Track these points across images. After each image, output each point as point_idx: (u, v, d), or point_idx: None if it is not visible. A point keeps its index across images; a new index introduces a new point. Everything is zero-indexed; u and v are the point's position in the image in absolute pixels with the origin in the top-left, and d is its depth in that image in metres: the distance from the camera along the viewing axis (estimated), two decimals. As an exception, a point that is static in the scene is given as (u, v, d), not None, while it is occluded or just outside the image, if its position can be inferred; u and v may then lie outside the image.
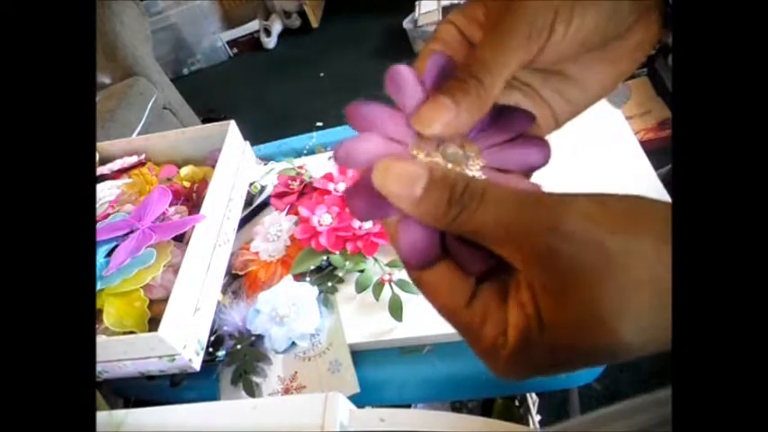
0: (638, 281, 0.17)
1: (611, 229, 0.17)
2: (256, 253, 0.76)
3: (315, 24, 2.85)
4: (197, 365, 0.61)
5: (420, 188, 0.20)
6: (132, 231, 0.68)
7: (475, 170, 0.22)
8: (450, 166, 0.22)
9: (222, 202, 0.75)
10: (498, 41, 0.21)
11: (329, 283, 0.69)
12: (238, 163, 0.83)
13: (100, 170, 0.87)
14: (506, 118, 0.23)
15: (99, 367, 0.61)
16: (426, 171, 0.20)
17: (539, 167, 0.23)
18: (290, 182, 0.82)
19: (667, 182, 0.65)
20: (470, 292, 0.21)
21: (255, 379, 0.64)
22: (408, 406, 0.75)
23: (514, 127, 0.23)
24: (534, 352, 0.19)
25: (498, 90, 0.21)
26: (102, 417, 0.44)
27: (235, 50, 2.94)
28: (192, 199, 0.78)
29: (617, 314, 0.17)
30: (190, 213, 0.74)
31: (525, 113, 0.24)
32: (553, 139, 0.25)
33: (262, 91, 2.57)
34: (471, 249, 0.21)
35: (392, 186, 0.20)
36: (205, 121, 2.05)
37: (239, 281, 0.76)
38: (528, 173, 0.24)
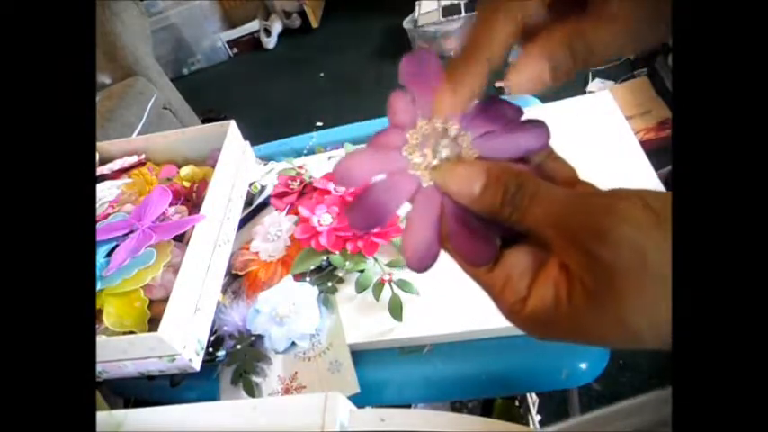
0: (667, 284, 0.17)
1: (654, 237, 0.17)
2: (256, 253, 0.76)
3: (315, 24, 2.85)
4: (197, 365, 0.61)
5: (477, 188, 0.21)
6: (132, 231, 0.68)
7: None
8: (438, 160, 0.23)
9: (222, 202, 0.75)
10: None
11: (329, 283, 0.69)
12: (238, 163, 0.83)
13: (100, 170, 0.86)
14: (495, 109, 0.24)
15: (99, 367, 0.61)
16: (484, 172, 0.21)
17: (537, 151, 0.23)
18: (290, 182, 0.82)
19: (667, 182, 0.65)
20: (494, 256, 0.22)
21: (255, 379, 0.64)
22: (408, 406, 0.75)
23: (503, 117, 0.23)
24: (553, 324, 0.21)
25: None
26: (102, 417, 0.44)
27: (235, 50, 2.94)
28: (192, 199, 0.78)
29: (643, 317, 0.18)
30: (190, 213, 0.74)
31: (513, 105, 0.24)
32: (553, 139, 0.25)
33: (262, 91, 2.57)
34: (476, 245, 0.22)
35: (452, 186, 0.22)
36: (205, 121, 2.04)
37: (239, 281, 0.76)
38: (526, 157, 0.24)
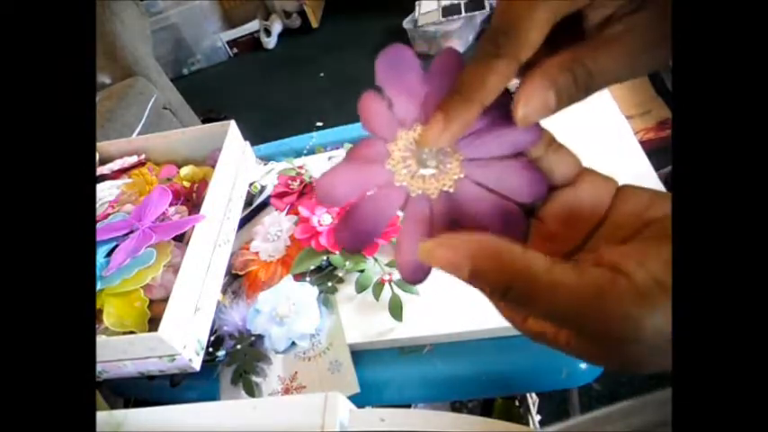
0: None
1: (666, 310, 0.17)
2: (256, 253, 0.76)
3: (315, 24, 2.85)
4: (197, 365, 0.61)
5: (466, 275, 0.19)
6: (132, 231, 0.68)
7: (449, 181, 0.22)
8: (426, 176, 0.21)
9: (222, 202, 0.75)
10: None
11: (329, 283, 0.69)
12: (238, 163, 0.83)
13: (100, 170, 0.86)
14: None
15: (99, 367, 0.61)
16: (468, 260, 0.19)
17: (529, 146, 0.22)
18: (290, 182, 0.82)
19: (667, 182, 0.65)
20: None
21: (255, 379, 0.64)
22: (408, 406, 0.75)
23: (489, 114, 0.22)
24: (551, 346, 0.21)
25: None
26: (102, 417, 0.44)
27: (235, 50, 2.94)
28: (192, 199, 0.78)
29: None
30: (190, 213, 0.74)
31: (500, 100, 0.22)
32: (553, 132, 0.24)
33: (262, 91, 2.57)
34: None
35: (444, 263, 0.20)
36: (205, 121, 2.05)
37: (239, 281, 0.76)
38: (518, 154, 0.22)
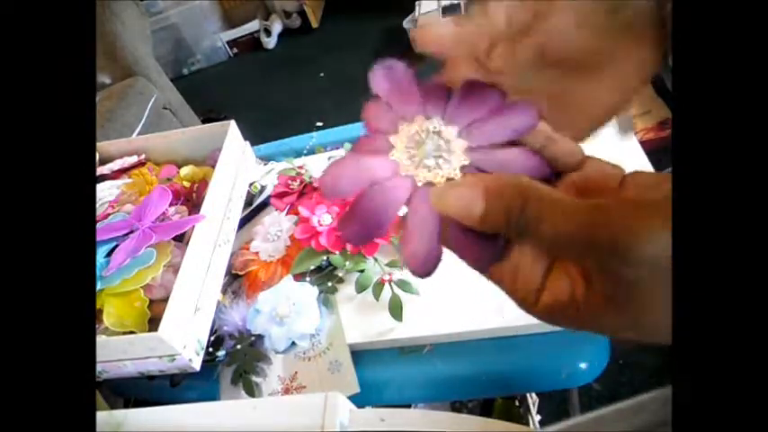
0: None
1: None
2: (256, 253, 0.76)
3: (315, 24, 2.85)
4: (197, 365, 0.61)
5: (478, 213, 0.19)
6: (132, 231, 0.68)
7: (454, 169, 0.22)
8: (431, 165, 0.21)
9: (222, 202, 0.75)
10: None
11: (329, 283, 0.69)
12: (238, 163, 0.83)
13: (100, 170, 0.86)
14: (476, 95, 0.22)
15: (99, 367, 0.61)
16: (481, 195, 0.19)
17: (528, 129, 0.22)
18: (290, 182, 0.82)
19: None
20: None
21: (255, 379, 0.64)
22: (408, 406, 0.75)
23: (486, 102, 0.22)
24: (567, 317, 0.20)
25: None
26: (102, 417, 0.44)
27: (235, 50, 2.94)
28: (192, 199, 0.78)
29: (660, 318, 0.18)
30: (190, 213, 0.74)
31: (495, 89, 0.23)
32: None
33: (262, 91, 2.57)
34: (478, 246, 0.21)
35: (452, 211, 0.20)
36: (205, 121, 2.05)
37: (239, 281, 0.76)
38: (522, 140, 0.22)
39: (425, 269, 0.21)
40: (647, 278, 0.17)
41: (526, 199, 0.19)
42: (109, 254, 0.67)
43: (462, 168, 0.21)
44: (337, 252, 0.70)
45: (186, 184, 0.81)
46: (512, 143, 0.22)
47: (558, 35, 0.22)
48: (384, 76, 0.22)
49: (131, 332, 0.61)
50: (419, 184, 0.21)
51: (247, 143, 0.88)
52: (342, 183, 0.21)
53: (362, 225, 0.21)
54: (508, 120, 0.22)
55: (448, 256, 0.22)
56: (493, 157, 0.22)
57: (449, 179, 0.21)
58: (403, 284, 0.64)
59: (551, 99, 0.23)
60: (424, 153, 0.21)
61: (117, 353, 0.58)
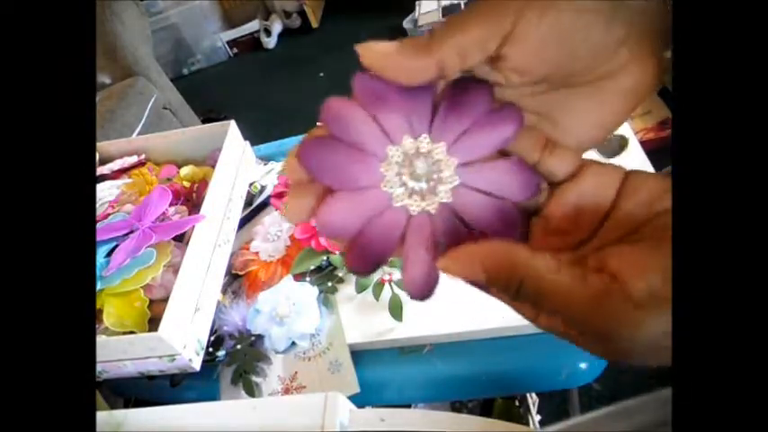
0: None
1: (665, 323, 0.17)
2: (256, 253, 0.76)
3: (315, 24, 2.85)
4: (197, 365, 0.61)
5: (482, 280, 0.20)
6: (132, 231, 0.68)
7: (445, 192, 0.21)
8: (424, 193, 0.21)
9: (222, 202, 0.75)
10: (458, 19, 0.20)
11: (329, 283, 0.69)
12: (238, 163, 0.83)
13: (100, 170, 0.86)
14: (464, 101, 0.21)
15: (99, 367, 0.61)
16: (482, 269, 0.20)
17: (513, 135, 0.21)
18: (290, 182, 0.82)
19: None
20: None
21: (255, 379, 0.64)
22: (408, 406, 0.75)
23: (475, 106, 0.21)
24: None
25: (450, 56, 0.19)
26: (102, 417, 0.44)
27: (235, 50, 2.94)
28: (192, 199, 0.78)
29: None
30: (190, 213, 0.74)
31: (481, 86, 0.21)
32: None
33: (262, 91, 2.57)
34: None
35: (462, 275, 0.20)
36: (205, 121, 2.04)
37: (239, 281, 0.76)
38: (509, 150, 0.22)
39: (423, 294, 0.21)
40: (646, 352, 0.18)
41: (521, 279, 0.19)
42: (109, 254, 0.67)
43: (453, 190, 0.21)
44: (337, 252, 0.70)
45: (186, 184, 0.81)
46: (502, 152, 0.22)
47: (534, 56, 0.20)
48: (366, 86, 0.21)
49: (131, 332, 0.61)
50: (413, 213, 0.21)
51: (247, 143, 0.88)
52: (337, 226, 0.21)
53: (365, 261, 0.21)
54: (495, 128, 0.21)
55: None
56: (482, 175, 0.22)
57: (441, 204, 0.21)
58: (403, 284, 0.64)
59: (542, 117, 0.22)
60: (415, 179, 0.21)
61: (117, 353, 0.58)
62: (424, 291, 0.21)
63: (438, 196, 0.21)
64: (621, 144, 0.69)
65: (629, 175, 0.21)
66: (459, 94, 0.21)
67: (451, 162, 0.21)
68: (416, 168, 0.21)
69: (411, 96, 0.21)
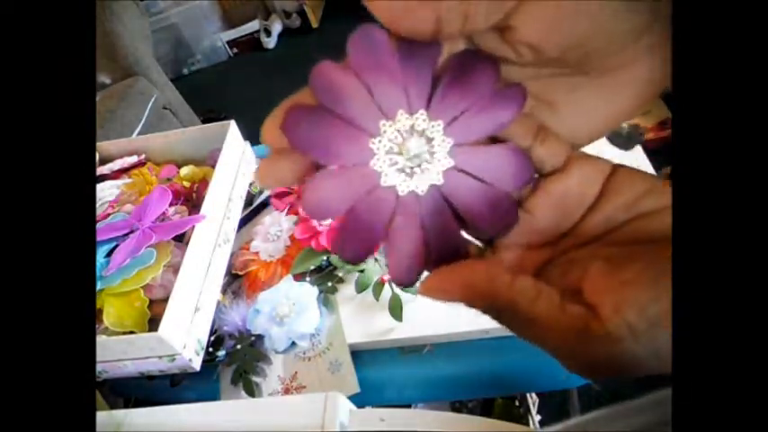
0: None
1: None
2: (256, 253, 0.76)
3: (315, 24, 2.85)
4: (197, 365, 0.61)
5: (461, 302, 0.20)
6: (132, 231, 0.68)
7: (437, 174, 0.20)
8: (414, 172, 0.20)
9: (222, 202, 0.75)
10: None
11: (329, 283, 0.69)
12: (238, 163, 0.83)
13: (100, 170, 0.87)
14: (467, 78, 0.19)
15: (99, 367, 0.61)
16: (460, 292, 0.20)
17: (511, 119, 0.20)
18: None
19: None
20: None
21: (255, 379, 0.64)
22: (408, 406, 0.75)
23: (479, 84, 0.19)
24: None
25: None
26: (102, 417, 0.44)
27: (235, 50, 2.94)
28: (192, 199, 0.78)
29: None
30: (190, 213, 0.74)
31: (488, 62, 0.19)
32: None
33: (262, 91, 2.57)
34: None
35: (441, 299, 0.21)
36: (205, 121, 2.04)
37: (239, 281, 0.76)
38: (505, 137, 0.21)
39: (409, 279, 0.21)
40: (632, 372, 0.18)
41: (500, 308, 0.19)
42: (109, 254, 0.67)
43: (444, 173, 0.20)
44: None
45: (186, 184, 0.81)
46: (493, 138, 0.21)
47: (548, 30, 0.18)
48: (363, 49, 0.19)
49: (131, 332, 0.61)
50: (401, 193, 0.20)
51: (247, 143, 0.88)
52: (323, 205, 0.19)
53: (356, 244, 0.20)
54: (495, 111, 0.20)
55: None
56: (476, 159, 0.20)
57: (431, 186, 0.20)
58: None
59: (542, 103, 0.21)
60: (406, 158, 0.20)
61: (117, 353, 0.58)
62: (408, 276, 0.21)
63: (428, 176, 0.20)
64: (632, 134, 0.67)
65: (614, 172, 0.20)
66: (464, 69, 0.19)
67: (447, 142, 0.20)
68: (410, 147, 0.19)
69: (410, 65, 0.19)
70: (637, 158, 0.70)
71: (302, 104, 0.19)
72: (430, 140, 0.20)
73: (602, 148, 0.72)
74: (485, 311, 0.20)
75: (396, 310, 0.63)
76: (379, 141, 0.19)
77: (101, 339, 0.58)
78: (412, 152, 0.19)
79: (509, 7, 0.17)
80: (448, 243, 0.21)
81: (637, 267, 0.18)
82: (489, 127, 0.20)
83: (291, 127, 0.19)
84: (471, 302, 0.20)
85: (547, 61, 0.19)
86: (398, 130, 0.19)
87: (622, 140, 0.67)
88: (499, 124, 0.20)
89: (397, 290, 0.64)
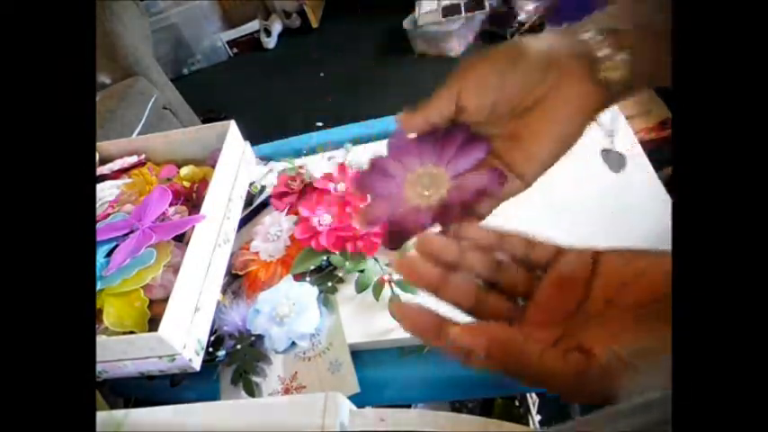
0: None
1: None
2: (256, 253, 0.75)
3: (315, 24, 2.85)
4: (197, 365, 0.61)
5: (482, 355, 0.24)
6: (132, 231, 0.68)
7: (440, 194, 0.32)
8: (427, 195, 0.32)
9: (222, 202, 0.75)
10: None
11: (329, 283, 0.69)
12: (238, 163, 0.83)
13: (100, 170, 0.86)
14: (450, 136, 0.32)
15: (99, 367, 0.61)
16: (483, 348, 0.23)
17: (482, 155, 0.32)
18: (290, 182, 0.82)
19: (668, 182, 0.65)
20: None
21: (255, 379, 0.64)
22: (408, 406, 0.75)
23: (456, 139, 0.32)
24: None
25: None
26: (102, 417, 0.44)
27: (235, 50, 2.94)
28: (192, 199, 0.78)
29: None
30: (190, 213, 0.74)
31: (460, 127, 0.32)
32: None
33: (262, 91, 2.57)
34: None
35: (468, 347, 0.24)
36: (205, 121, 2.04)
37: (239, 281, 0.76)
38: (477, 163, 0.32)
39: (393, 244, 0.32)
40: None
41: (514, 363, 0.23)
42: (109, 254, 0.67)
43: (448, 191, 0.32)
44: (337, 252, 0.70)
45: (186, 184, 0.81)
46: (474, 167, 0.33)
47: (478, 99, 0.30)
48: (394, 145, 0.34)
49: (131, 332, 0.61)
50: (422, 208, 0.33)
51: (247, 143, 0.88)
52: (373, 217, 0.33)
53: (399, 236, 0.32)
54: (470, 153, 0.33)
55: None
56: (464, 182, 0.32)
57: (441, 201, 0.32)
58: (403, 284, 0.64)
59: (508, 139, 0.31)
60: (423, 186, 0.33)
61: (117, 353, 0.58)
62: (393, 240, 0.33)
63: (438, 194, 0.33)
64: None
65: (598, 259, 0.26)
66: (448, 136, 0.33)
67: (446, 175, 0.33)
68: (424, 182, 0.33)
69: (421, 145, 0.33)
70: (637, 158, 0.70)
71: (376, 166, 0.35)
72: (436, 176, 0.33)
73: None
74: (498, 367, 0.23)
75: (396, 310, 0.63)
76: (408, 183, 0.33)
77: (101, 339, 0.58)
78: (425, 182, 0.33)
79: (455, 101, 0.30)
80: (450, 219, 0.31)
81: (623, 323, 0.23)
82: (469, 162, 0.33)
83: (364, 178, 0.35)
84: (492, 356, 0.23)
85: (493, 114, 0.30)
86: (418, 175, 0.33)
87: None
88: (475, 159, 0.33)
89: (397, 290, 0.64)
